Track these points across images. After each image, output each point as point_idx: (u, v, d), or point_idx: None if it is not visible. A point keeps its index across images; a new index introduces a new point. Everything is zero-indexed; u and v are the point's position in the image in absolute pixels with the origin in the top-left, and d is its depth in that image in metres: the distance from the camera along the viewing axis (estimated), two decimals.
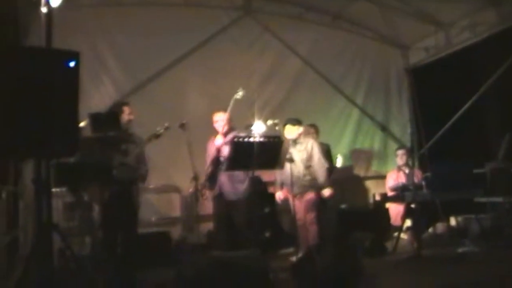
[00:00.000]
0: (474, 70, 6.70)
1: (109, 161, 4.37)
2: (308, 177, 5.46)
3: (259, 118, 5.01)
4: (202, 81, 6.73)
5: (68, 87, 3.15)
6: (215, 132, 5.13)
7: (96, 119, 4.32)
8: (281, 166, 4.95)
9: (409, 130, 7.74)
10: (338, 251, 4.46)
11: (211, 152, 5.08)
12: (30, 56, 3.12)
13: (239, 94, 4.80)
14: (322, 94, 7.43)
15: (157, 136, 4.56)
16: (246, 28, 7.02)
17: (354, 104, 7.67)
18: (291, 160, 5.26)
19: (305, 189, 5.44)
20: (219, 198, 5.05)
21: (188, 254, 4.92)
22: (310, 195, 5.45)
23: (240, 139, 4.46)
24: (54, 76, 3.10)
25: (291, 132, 5.49)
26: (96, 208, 4.86)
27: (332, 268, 4.24)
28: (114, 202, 4.41)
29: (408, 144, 7.44)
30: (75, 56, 3.17)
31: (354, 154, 7.84)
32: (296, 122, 5.55)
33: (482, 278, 4.27)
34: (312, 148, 5.52)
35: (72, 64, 3.13)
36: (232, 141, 4.51)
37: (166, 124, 4.63)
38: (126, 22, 6.35)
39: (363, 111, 7.73)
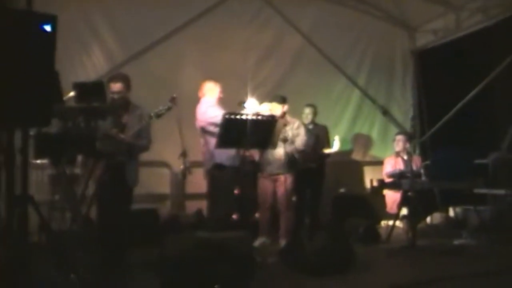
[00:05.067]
0: (484, 56, 6.38)
1: (93, 133, 4.16)
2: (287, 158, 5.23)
3: (253, 96, 4.84)
4: (198, 54, 6.44)
5: (43, 52, 2.93)
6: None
7: (80, 88, 4.14)
8: (274, 147, 4.78)
9: (410, 115, 7.48)
10: (329, 236, 4.33)
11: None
12: (1, 17, 2.86)
13: None
14: (322, 74, 7.09)
15: (158, 115, 4.36)
16: (246, 1, 6.69)
17: (356, 85, 7.35)
18: (285, 140, 5.06)
19: (284, 170, 5.21)
20: None
21: (175, 234, 4.75)
22: (290, 179, 5.23)
23: (232, 116, 4.27)
24: (28, 40, 2.88)
25: (276, 110, 5.24)
26: (82, 183, 4.68)
27: (322, 254, 4.11)
28: (106, 176, 4.22)
29: (410, 129, 7.19)
30: (51, 19, 2.93)
31: (352, 138, 7.62)
32: (282, 100, 5.33)
33: (477, 271, 4.15)
34: (298, 128, 5.33)
35: (48, 28, 2.91)
36: (223, 118, 4.31)
37: (169, 104, 4.42)
38: None
39: (364, 93, 7.41)
